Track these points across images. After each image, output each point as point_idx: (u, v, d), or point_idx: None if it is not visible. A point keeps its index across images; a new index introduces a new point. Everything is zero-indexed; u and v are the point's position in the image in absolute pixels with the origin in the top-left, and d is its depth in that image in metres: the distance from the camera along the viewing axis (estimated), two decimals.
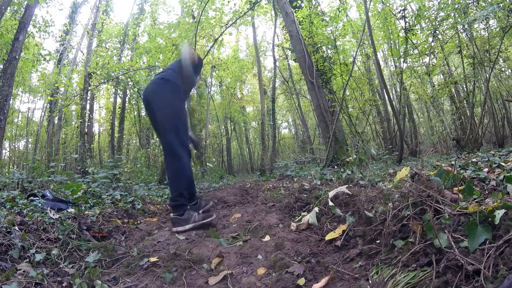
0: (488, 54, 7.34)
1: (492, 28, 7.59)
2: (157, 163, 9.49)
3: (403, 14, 7.70)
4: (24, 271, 1.31)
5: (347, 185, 2.16)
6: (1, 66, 6.17)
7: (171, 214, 2.21)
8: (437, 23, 7.95)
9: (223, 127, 19.16)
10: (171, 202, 2.22)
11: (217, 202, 3.28)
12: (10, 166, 15.17)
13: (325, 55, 8.67)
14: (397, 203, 1.41)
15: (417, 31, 8.28)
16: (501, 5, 5.54)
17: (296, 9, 7.39)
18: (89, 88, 9.61)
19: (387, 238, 1.28)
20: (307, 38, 7.82)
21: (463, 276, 0.88)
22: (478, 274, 0.85)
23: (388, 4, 8.06)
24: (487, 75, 6.75)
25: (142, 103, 11.10)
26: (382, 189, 1.79)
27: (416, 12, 8.02)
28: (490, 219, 1.02)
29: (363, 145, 8.34)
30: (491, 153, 4.09)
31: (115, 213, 2.54)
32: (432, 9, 7.91)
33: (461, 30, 8.02)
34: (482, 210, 1.05)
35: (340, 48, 8.87)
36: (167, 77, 2.39)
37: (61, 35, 13.07)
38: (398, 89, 10.41)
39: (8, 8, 6.43)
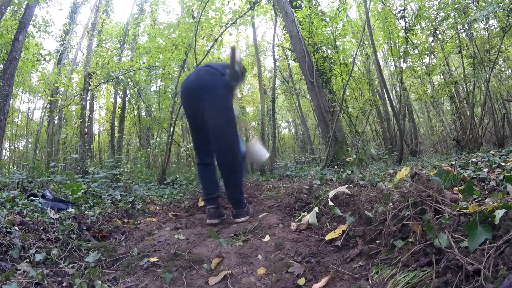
0: (488, 54, 7.34)
1: (492, 28, 7.59)
2: (157, 163, 9.49)
3: (403, 14, 7.70)
4: (24, 271, 1.31)
5: (347, 185, 2.16)
6: (1, 66, 6.16)
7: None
8: (437, 23, 7.94)
9: None
10: (231, 200, 2.32)
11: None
12: (10, 166, 15.16)
13: (325, 55, 8.67)
14: (397, 203, 1.41)
15: (417, 31, 8.28)
16: (501, 5, 5.54)
17: (296, 9, 7.39)
18: (89, 88, 9.61)
19: (387, 238, 1.28)
20: (307, 38, 7.82)
21: (463, 276, 0.88)
22: (478, 274, 0.85)
23: (388, 4, 8.05)
24: (487, 75, 6.75)
25: (141, 102, 11.10)
26: (382, 189, 1.79)
27: (416, 12, 8.02)
28: (490, 219, 1.02)
29: (363, 145, 8.34)
30: (491, 153, 4.09)
31: (115, 213, 2.54)
32: (432, 9, 7.91)
33: (461, 30, 8.02)
34: (482, 210, 1.05)
35: (340, 48, 8.86)
36: (222, 71, 2.19)
37: (61, 35, 13.07)
38: (398, 89, 10.41)
39: (8, 8, 6.43)
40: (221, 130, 2.17)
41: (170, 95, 11.00)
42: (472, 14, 6.65)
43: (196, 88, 2.21)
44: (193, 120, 2.35)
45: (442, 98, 11.35)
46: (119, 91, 12.55)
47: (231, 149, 2.20)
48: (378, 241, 1.36)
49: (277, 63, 12.63)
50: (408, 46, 8.02)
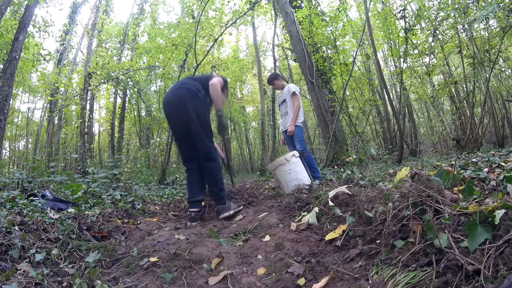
0: (488, 54, 7.33)
1: (492, 28, 7.58)
2: (157, 163, 9.49)
3: (403, 14, 7.69)
4: (24, 271, 1.31)
5: (347, 185, 2.16)
6: (1, 66, 6.16)
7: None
8: (437, 23, 7.94)
9: None
10: (214, 196, 2.56)
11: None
12: (10, 166, 15.16)
13: (325, 55, 8.66)
14: (397, 203, 1.41)
15: (417, 31, 8.28)
16: (501, 5, 5.54)
17: (296, 9, 7.39)
18: (89, 88, 9.61)
19: (387, 238, 1.28)
20: (307, 38, 7.81)
21: (463, 276, 0.88)
22: (478, 274, 0.85)
23: (388, 4, 8.05)
24: (487, 75, 6.75)
25: (141, 102, 11.10)
26: (382, 189, 1.79)
27: (416, 12, 8.02)
28: (490, 219, 1.02)
29: (363, 145, 8.33)
30: (491, 153, 4.09)
31: (115, 213, 2.54)
32: (432, 9, 7.91)
33: (461, 30, 8.02)
34: (482, 210, 1.05)
35: (340, 48, 8.86)
36: (198, 87, 2.54)
37: (61, 35, 13.06)
38: (398, 89, 10.41)
39: (8, 8, 6.43)
40: (199, 138, 2.48)
41: None
42: (472, 14, 6.64)
43: (176, 105, 2.49)
44: (175, 131, 2.68)
45: (442, 98, 11.35)
46: (119, 91, 12.56)
47: (209, 153, 2.52)
48: (378, 241, 1.36)
49: (277, 63, 12.63)
50: (408, 46, 8.01)
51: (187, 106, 2.42)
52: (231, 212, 2.48)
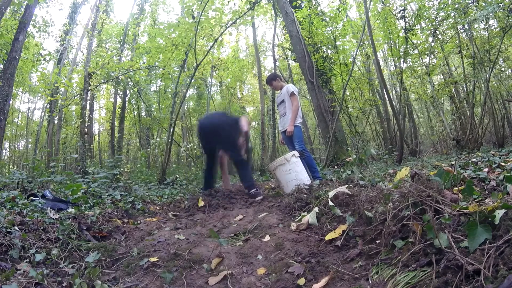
0: (488, 54, 7.33)
1: (492, 28, 7.58)
2: (157, 163, 9.49)
3: (403, 14, 7.69)
4: (24, 271, 1.31)
5: (347, 185, 2.16)
6: (1, 66, 6.16)
7: (250, 191, 3.19)
8: (437, 23, 7.94)
9: None
10: (248, 185, 3.24)
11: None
12: (10, 166, 15.16)
13: (325, 55, 8.66)
14: (397, 203, 1.41)
15: (417, 31, 8.27)
16: (501, 5, 5.54)
17: (296, 9, 7.38)
18: (89, 88, 9.60)
19: (387, 238, 1.28)
20: (307, 38, 7.81)
21: (463, 276, 0.88)
22: (478, 274, 0.85)
23: (388, 4, 8.05)
24: (487, 75, 6.75)
25: (141, 102, 11.09)
26: (382, 189, 1.79)
27: (416, 12, 8.02)
28: (490, 219, 1.02)
29: (363, 145, 8.34)
30: (491, 153, 4.09)
31: (115, 213, 2.54)
32: (432, 9, 7.90)
33: (461, 30, 8.02)
34: (482, 210, 1.05)
35: (340, 48, 8.86)
36: (231, 122, 3.42)
37: (61, 35, 13.05)
38: (398, 89, 10.41)
39: (8, 8, 6.43)
40: (233, 152, 3.33)
41: (170, 95, 11.00)
42: (472, 14, 6.64)
43: (210, 130, 3.35)
44: (206, 149, 3.55)
45: (442, 98, 11.34)
46: (119, 91, 12.55)
47: (237, 159, 3.36)
48: (378, 241, 1.36)
49: (277, 63, 12.62)
50: (408, 46, 8.01)
51: (219, 133, 3.28)
52: (262, 196, 3.08)
